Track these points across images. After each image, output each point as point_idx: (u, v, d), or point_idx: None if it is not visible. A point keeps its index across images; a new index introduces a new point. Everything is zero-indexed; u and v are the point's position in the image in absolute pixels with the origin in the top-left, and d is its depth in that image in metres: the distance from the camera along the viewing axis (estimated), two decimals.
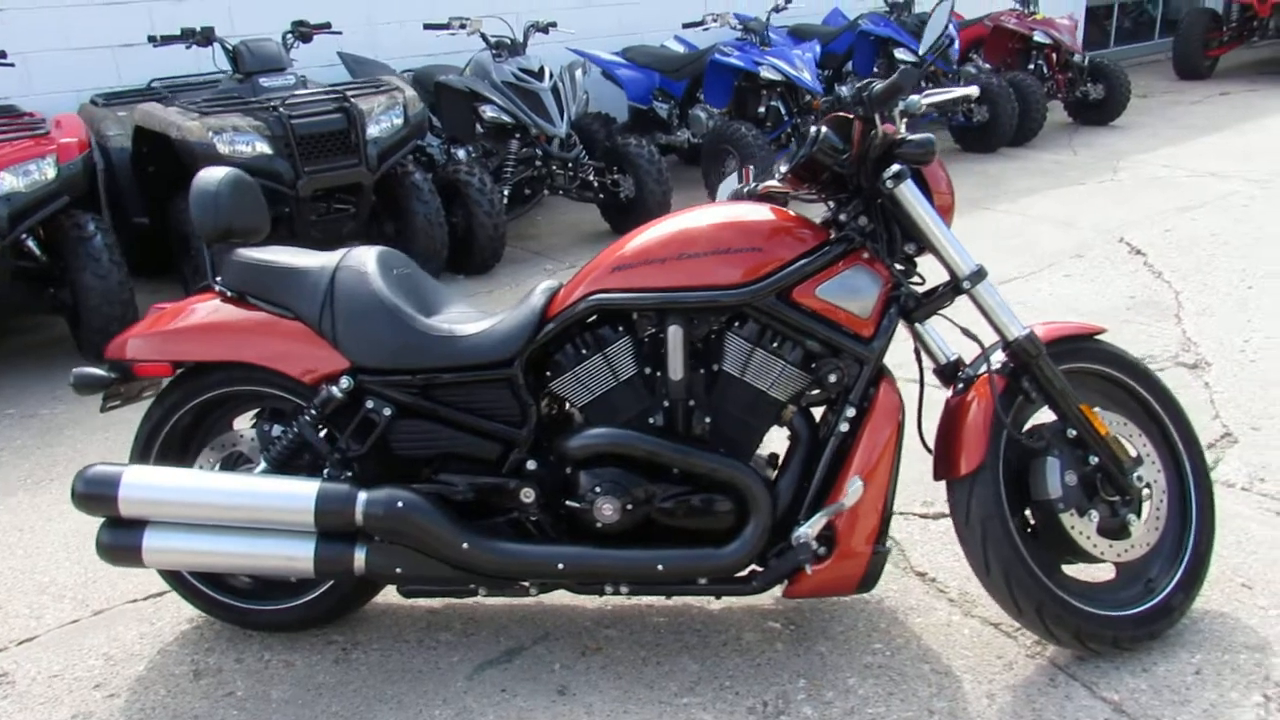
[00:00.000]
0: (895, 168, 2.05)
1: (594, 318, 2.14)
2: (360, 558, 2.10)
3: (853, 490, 2.00)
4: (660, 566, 2.06)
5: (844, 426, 2.08)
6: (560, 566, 2.08)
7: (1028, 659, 2.19)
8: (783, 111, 6.66)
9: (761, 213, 2.12)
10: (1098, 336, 2.26)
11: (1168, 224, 5.47)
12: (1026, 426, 2.19)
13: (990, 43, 8.39)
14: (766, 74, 6.34)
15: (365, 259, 2.23)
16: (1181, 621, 2.23)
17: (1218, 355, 3.71)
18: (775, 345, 2.09)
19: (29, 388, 4.11)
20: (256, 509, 2.05)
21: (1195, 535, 2.23)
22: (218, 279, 2.28)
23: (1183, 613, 2.19)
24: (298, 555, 2.08)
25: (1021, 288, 4.62)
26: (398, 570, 2.10)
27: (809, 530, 2.00)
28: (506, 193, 5.52)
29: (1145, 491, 2.17)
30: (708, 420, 2.12)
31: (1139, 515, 2.18)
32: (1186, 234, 5.26)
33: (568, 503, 2.12)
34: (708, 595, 2.18)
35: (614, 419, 2.14)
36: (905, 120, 2.05)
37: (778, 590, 2.15)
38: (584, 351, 2.14)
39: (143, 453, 2.30)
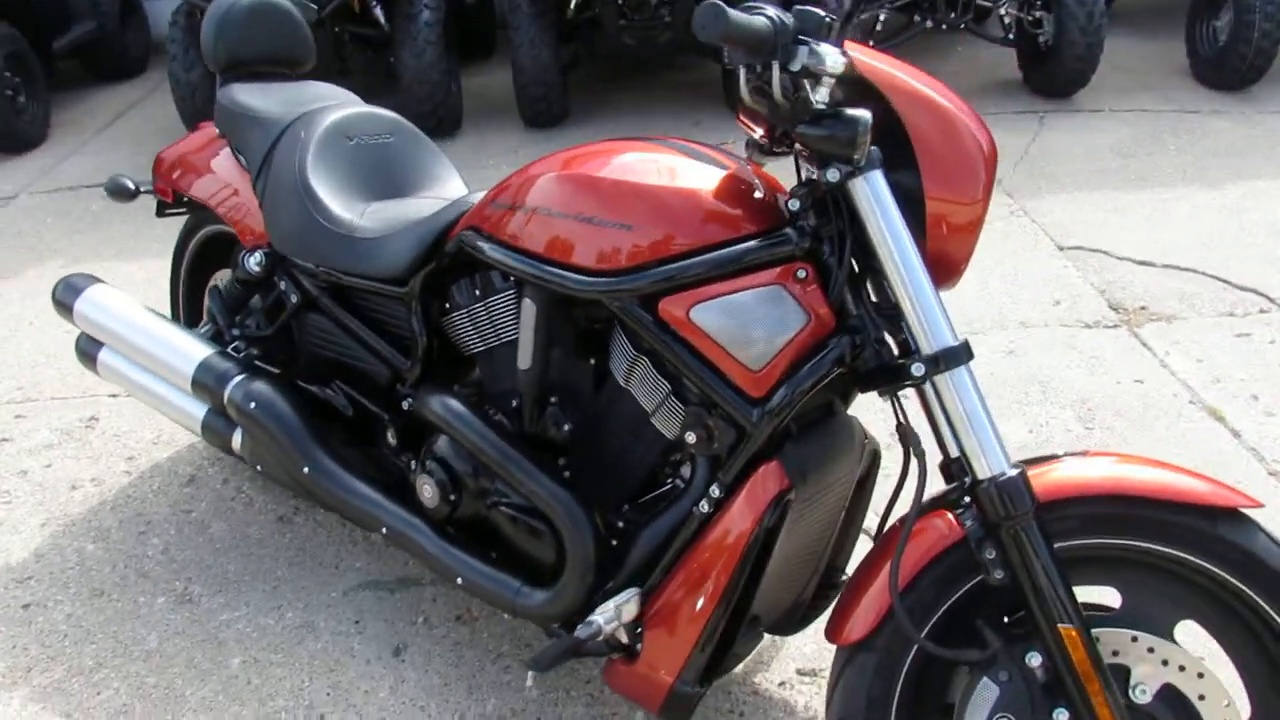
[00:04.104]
0: None
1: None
2: (237, 439, 1.99)
3: (627, 602, 1.41)
4: (460, 579, 1.67)
5: (705, 507, 1.44)
6: (383, 530, 1.78)
7: None
8: None
9: (684, 169, 1.42)
10: (1242, 510, 1.25)
11: None
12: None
13: None
14: None
15: (316, 122, 1.95)
16: None
17: None
18: (659, 362, 1.47)
19: None
20: (155, 359, 2.01)
21: None
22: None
23: None
24: (193, 415, 2.03)
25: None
26: (258, 467, 1.97)
27: (599, 618, 1.46)
28: (882, 18, 4.60)
29: None
30: (567, 428, 1.60)
31: None
32: None
33: (413, 464, 1.78)
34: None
35: (492, 383, 1.71)
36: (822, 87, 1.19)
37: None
38: (476, 292, 1.70)
39: (172, 272, 2.39)
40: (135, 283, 3.49)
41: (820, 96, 1.20)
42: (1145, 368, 2.72)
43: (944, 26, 4.58)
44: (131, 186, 2.26)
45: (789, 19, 1.17)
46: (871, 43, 4.49)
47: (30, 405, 2.83)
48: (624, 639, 1.50)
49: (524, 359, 1.57)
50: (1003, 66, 5.05)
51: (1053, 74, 4.58)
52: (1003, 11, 4.59)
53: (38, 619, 2.06)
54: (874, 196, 1.24)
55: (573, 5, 4.40)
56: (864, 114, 1.18)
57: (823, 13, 1.18)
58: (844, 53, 1.20)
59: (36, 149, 4.96)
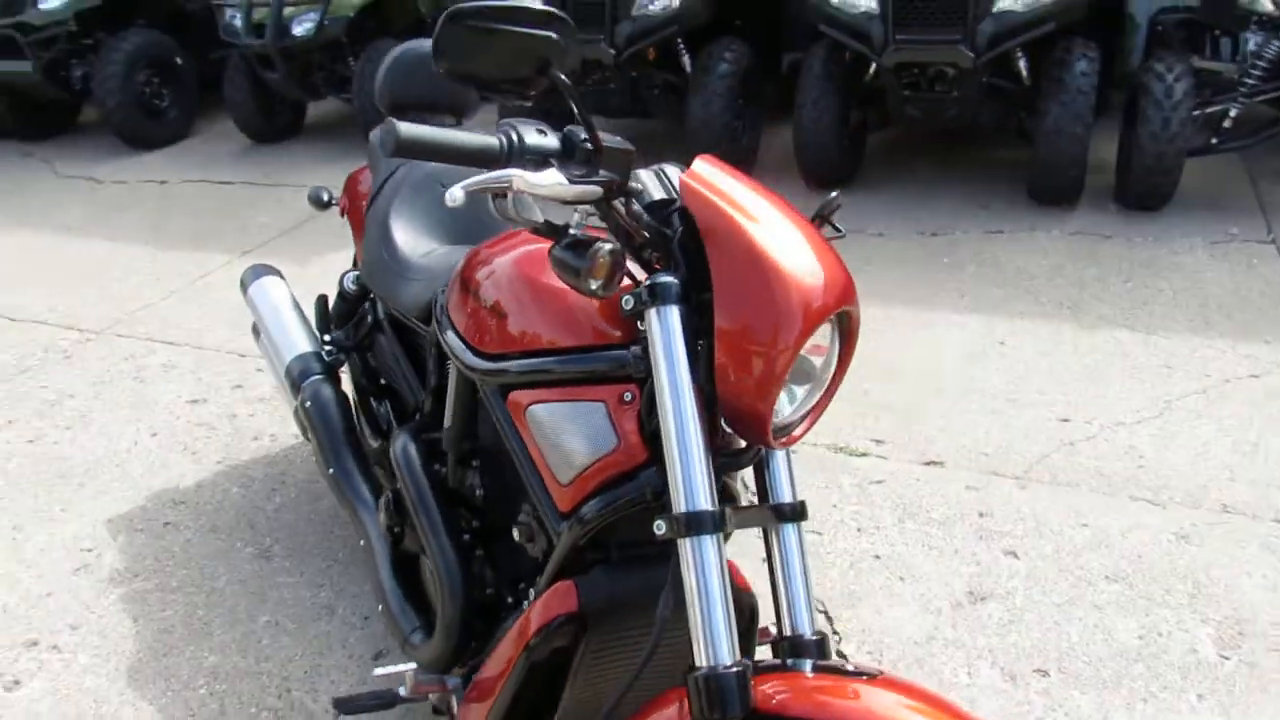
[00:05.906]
0: (655, 278, 1.16)
1: None
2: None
3: (405, 672, 1.43)
4: (381, 605, 1.79)
5: (525, 605, 1.42)
6: (361, 542, 1.96)
7: None
8: None
9: None
10: None
11: None
12: None
13: None
14: None
15: (420, 167, 2.16)
16: None
17: None
18: None
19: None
20: (274, 346, 2.36)
21: None
22: None
23: None
24: (291, 402, 2.35)
25: None
26: (315, 459, 2.23)
27: (411, 678, 1.51)
28: (1232, 113, 3.90)
29: None
30: (479, 492, 1.65)
31: None
32: None
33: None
34: None
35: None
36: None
37: None
38: None
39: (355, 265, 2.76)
40: None
41: (575, 220, 1.14)
42: None
43: None
44: (325, 198, 2.65)
45: (539, 141, 1.13)
46: (1215, 140, 3.87)
47: None
48: (454, 707, 1.53)
49: (447, 416, 1.64)
50: None
51: None
52: None
53: (168, 537, 2.52)
54: (660, 332, 1.15)
55: (871, 71, 4.28)
56: (605, 245, 1.11)
57: (583, 135, 1.12)
58: (606, 179, 1.13)
59: None
